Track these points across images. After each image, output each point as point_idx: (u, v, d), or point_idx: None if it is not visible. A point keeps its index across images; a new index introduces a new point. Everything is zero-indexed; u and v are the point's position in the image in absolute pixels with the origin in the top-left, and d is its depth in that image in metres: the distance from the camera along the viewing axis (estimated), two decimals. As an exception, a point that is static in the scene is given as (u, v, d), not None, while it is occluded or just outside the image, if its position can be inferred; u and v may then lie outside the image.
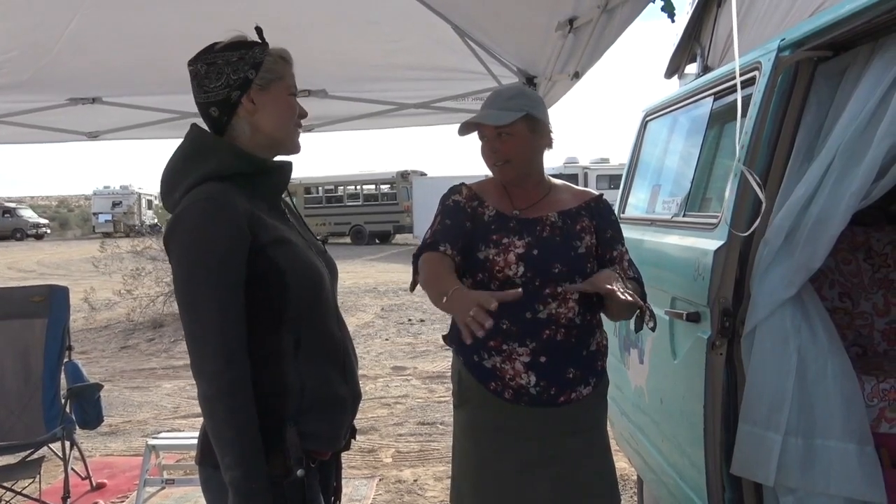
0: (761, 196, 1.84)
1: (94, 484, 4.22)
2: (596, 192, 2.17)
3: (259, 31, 1.59)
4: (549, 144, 2.09)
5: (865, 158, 1.83)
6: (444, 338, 2.15)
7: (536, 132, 2.03)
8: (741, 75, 2.38)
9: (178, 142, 1.61)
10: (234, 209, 1.46)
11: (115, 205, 35.78)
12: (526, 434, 1.99)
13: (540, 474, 1.98)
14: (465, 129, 2.06)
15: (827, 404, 1.94)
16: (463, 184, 2.14)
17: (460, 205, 2.06)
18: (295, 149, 1.65)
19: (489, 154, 2.04)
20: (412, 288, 2.04)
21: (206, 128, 1.60)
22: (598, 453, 2.06)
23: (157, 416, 5.92)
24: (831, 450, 1.93)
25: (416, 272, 1.99)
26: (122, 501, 4.07)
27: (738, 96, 1.87)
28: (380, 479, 4.28)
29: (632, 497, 3.79)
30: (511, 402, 1.97)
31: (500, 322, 1.94)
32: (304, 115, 1.65)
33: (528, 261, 1.96)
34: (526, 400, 1.97)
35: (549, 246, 1.98)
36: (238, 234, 1.46)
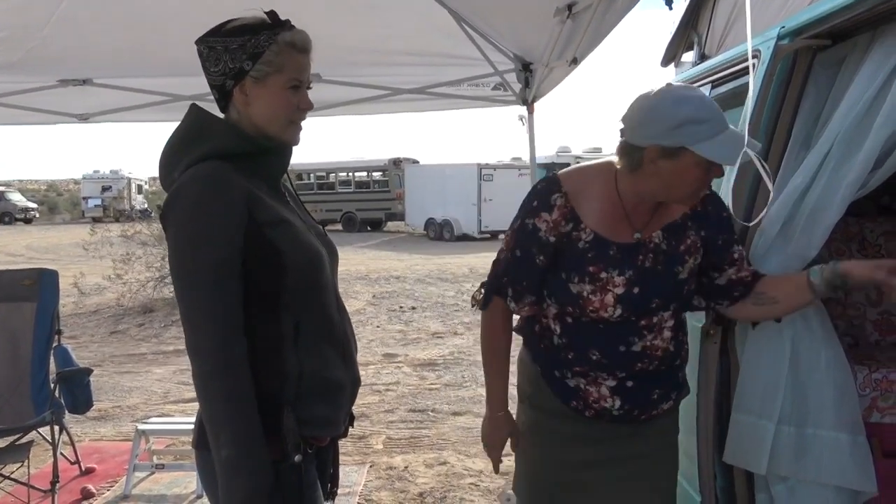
0: (769, 185, 1.80)
1: (83, 468, 4.21)
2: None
3: (273, 14, 1.53)
4: None
5: (863, 148, 1.82)
6: (517, 329, 1.98)
7: None
8: (738, 64, 2.38)
9: (170, 125, 1.60)
10: (231, 187, 1.45)
11: (104, 189, 35.55)
12: (599, 442, 1.89)
13: (604, 473, 1.89)
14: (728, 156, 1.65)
15: (820, 394, 1.94)
16: (558, 184, 1.78)
17: (539, 234, 1.77)
18: (289, 142, 1.60)
19: (702, 186, 1.73)
20: (478, 306, 1.98)
21: (205, 108, 1.58)
22: (667, 459, 1.97)
23: (147, 402, 5.90)
24: (823, 439, 1.93)
25: (486, 302, 1.91)
26: (112, 486, 4.05)
27: (751, 79, 1.80)
28: (371, 466, 4.29)
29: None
30: (591, 419, 1.85)
31: (589, 353, 1.79)
32: (306, 107, 1.58)
33: (626, 302, 1.74)
34: (608, 419, 1.85)
35: (649, 279, 1.75)
36: (235, 211, 1.44)
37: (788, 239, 1.96)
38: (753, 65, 2.22)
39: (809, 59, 1.99)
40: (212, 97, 1.59)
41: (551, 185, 1.79)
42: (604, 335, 1.78)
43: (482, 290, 1.94)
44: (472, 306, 2.00)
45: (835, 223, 1.90)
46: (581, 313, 1.78)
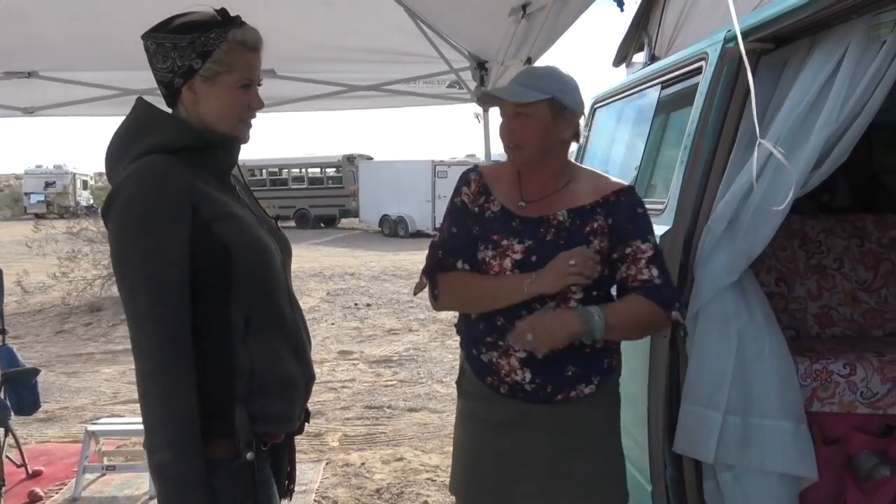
0: (793, 174, 1.80)
1: (30, 471, 4.09)
2: (623, 185, 1.93)
3: (223, 12, 1.51)
4: (575, 136, 1.90)
5: (805, 148, 1.90)
6: (455, 326, 2.05)
7: (560, 119, 1.83)
8: (688, 65, 2.44)
9: (119, 119, 1.56)
10: (174, 182, 1.42)
11: (48, 185, 34.44)
12: (521, 428, 1.90)
13: (532, 468, 1.90)
14: (484, 101, 1.94)
15: (764, 384, 2.02)
16: (476, 168, 2.00)
17: (467, 207, 1.93)
18: (238, 139, 1.58)
19: (503, 133, 1.88)
20: (417, 292, 2.01)
21: (152, 102, 1.55)
22: (598, 451, 1.92)
23: (96, 402, 5.77)
24: (767, 428, 2.01)
25: (434, 285, 1.93)
26: (60, 489, 3.95)
27: (749, 73, 1.77)
28: (327, 463, 4.28)
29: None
30: (507, 396, 1.89)
31: (495, 318, 1.87)
32: (257, 106, 1.57)
33: (523, 268, 1.82)
34: (521, 396, 1.88)
35: (550, 251, 1.81)
36: (177, 207, 1.42)
37: (734, 236, 2.03)
38: (700, 67, 2.29)
39: (754, 61, 2.06)
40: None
41: (469, 170, 2.01)
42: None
43: (425, 280, 1.96)
44: (420, 291, 1.99)
45: (780, 221, 1.97)
46: None
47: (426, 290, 1.98)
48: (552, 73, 1.87)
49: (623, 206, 1.86)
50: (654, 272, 1.80)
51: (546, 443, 1.89)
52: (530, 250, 1.82)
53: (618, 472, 1.95)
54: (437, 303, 1.96)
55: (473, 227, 1.91)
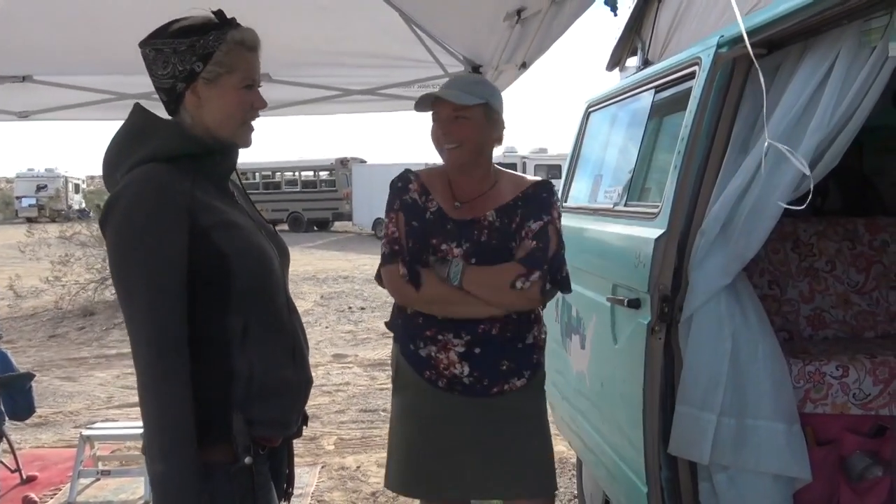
0: (805, 170, 1.83)
1: (24, 477, 4.09)
2: (539, 179, 2.13)
3: (220, 13, 1.51)
4: (499, 139, 2.09)
5: (797, 152, 1.91)
6: (386, 324, 2.18)
7: (491, 122, 2.04)
8: (681, 70, 2.47)
9: (114, 124, 1.56)
10: (172, 191, 1.42)
11: (39, 188, 34.32)
12: (457, 421, 2.01)
13: (468, 458, 2.01)
14: (422, 105, 2.04)
15: (758, 386, 2.04)
16: (409, 171, 2.12)
17: (417, 203, 2.05)
18: (241, 145, 1.59)
19: (441, 136, 2.02)
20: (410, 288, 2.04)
21: (149, 108, 1.56)
22: (530, 440, 2.06)
23: (90, 407, 5.75)
24: (761, 429, 2.03)
25: (417, 275, 1.99)
26: (55, 494, 3.95)
27: (760, 74, 1.81)
28: (322, 467, 4.29)
29: (570, 479, 3.89)
30: (445, 390, 2.00)
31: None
32: (260, 106, 1.57)
33: None
34: (459, 389, 2.00)
35: (485, 252, 1.99)
36: (176, 217, 1.42)
37: (728, 239, 2.05)
38: (694, 72, 2.31)
39: (747, 66, 2.08)
40: (158, 96, 1.57)
41: (406, 171, 2.13)
42: None
43: (403, 269, 2.00)
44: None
45: (773, 225, 1.99)
46: None
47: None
48: (483, 81, 2.15)
49: (534, 195, 2.04)
50: (533, 244, 1.97)
51: (482, 433, 2.01)
52: (469, 253, 1.98)
53: (548, 459, 2.10)
54: (418, 293, 1.98)
55: (427, 214, 2.03)
